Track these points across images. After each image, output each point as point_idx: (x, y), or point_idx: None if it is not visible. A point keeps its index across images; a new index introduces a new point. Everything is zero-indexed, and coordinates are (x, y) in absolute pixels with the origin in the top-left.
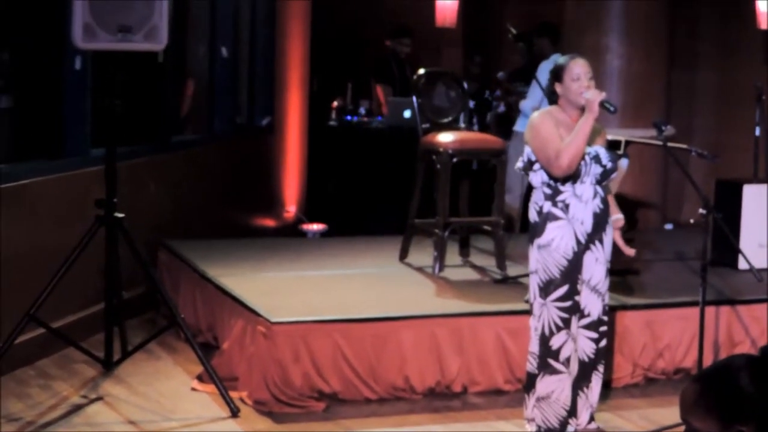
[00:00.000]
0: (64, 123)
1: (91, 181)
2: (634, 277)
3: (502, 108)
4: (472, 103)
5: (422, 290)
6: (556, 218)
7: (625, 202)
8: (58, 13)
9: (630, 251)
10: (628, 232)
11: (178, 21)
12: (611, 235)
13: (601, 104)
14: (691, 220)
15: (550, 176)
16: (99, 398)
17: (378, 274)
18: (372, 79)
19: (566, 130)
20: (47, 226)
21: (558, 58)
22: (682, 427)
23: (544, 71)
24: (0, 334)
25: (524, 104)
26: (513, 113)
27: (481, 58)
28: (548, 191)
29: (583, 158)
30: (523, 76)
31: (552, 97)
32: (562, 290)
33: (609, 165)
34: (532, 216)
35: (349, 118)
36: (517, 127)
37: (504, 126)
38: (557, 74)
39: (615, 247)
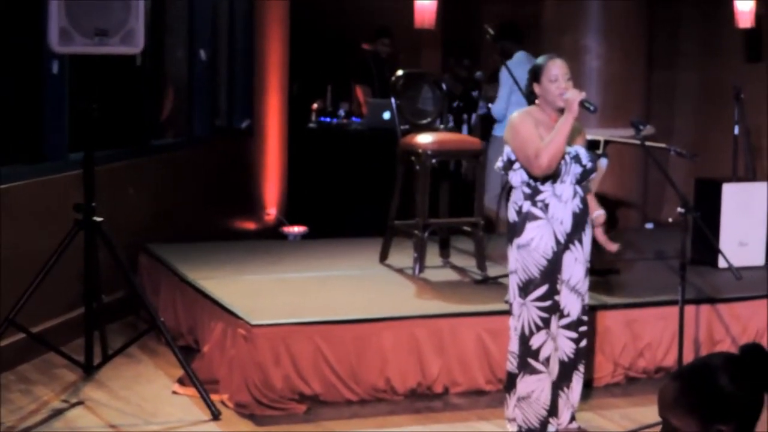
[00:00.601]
0: (42, 127)
1: (69, 185)
2: (614, 277)
3: (483, 108)
4: (458, 104)
5: (402, 291)
6: (535, 218)
7: (605, 202)
8: (34, 17)
9: (613, 246)
10: (609, 232)
11: (156, 24)
12: (591, 234)
13: (581, 104)
14: (670, 219)
15: (530, 176)
16: (80, 403)
17: (358, 276)
18: (352, 81)
19: (546, 129)
20: (26, 230)
21: (523, 56)
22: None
23: (514, 70)
24: None
25: (494, 108)
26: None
27: (470, 61)
28: (528, 191)
29: (563, 158)
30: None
31: (531, 98)
32: (542, 290)
33: (589, 165)
34: (512, 216)
35: (328, 120)
36: (495, 131)
37: (486, 127)
38: (535, 75)
39: (595, 247)
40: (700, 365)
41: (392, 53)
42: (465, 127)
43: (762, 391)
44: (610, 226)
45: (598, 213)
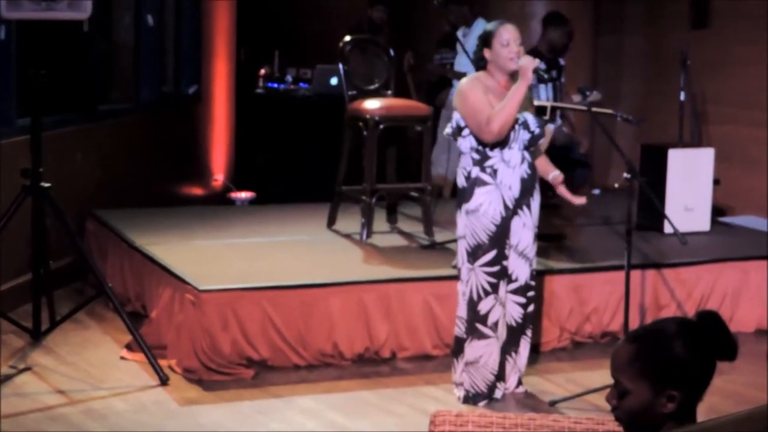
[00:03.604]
0: None
1: (17, 151)
2: (561, 242)
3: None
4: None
5: (350, 257)
6: (484, 183)
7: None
8: None
9: (581, 200)
10: (556, 197)
11: None
12: (539, 200)
13: (535, 71)
14: (616, 185)
15: (479, 142)
16: (28, 368)
17: (306, 241)
18: None
19: (495, 96)
20: None
21: (483, 24)
22: (607, 390)
23: (472, 38)
24: None
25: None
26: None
27: None
28: (476, 157)
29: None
30: (450, 43)
31: (480, 63)
32: (490, 255)
33: (537, 131)
34: (460, 181)
35: (276, 85)
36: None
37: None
38: (486, 40)
39: (543, 212)
40: (655, 330)
41: (386, 21)
42: None
43: (714, 359)
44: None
45: (554, 174)
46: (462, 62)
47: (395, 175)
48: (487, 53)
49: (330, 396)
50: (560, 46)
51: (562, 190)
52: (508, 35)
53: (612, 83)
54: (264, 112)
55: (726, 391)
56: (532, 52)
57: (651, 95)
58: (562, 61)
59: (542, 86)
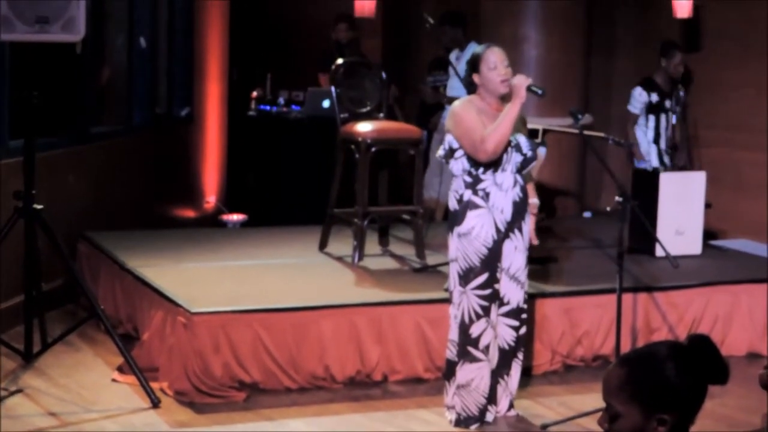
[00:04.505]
0: None
1: (9, 172)
2: (553, 265)
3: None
4: None
5: (342, 280)
6: (476, 206)
7: (543, 191)
8: None
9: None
10: (547, 220)
11: (96, 12)
12: (530, 223)
13: (529, 89)
14: (608, 208)
15: (472, 164)
16: (19, 390)
17: (297, 264)
18: (318, 71)
19: (487, 118)
20: None
21: (475, 47)
22: (599, 414)
23: (464, 61)
24: None
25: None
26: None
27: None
28: (469, 179)
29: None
30: (443, 65)
31: (470, 88)
32: (482, 278)
33: (529, 154)
34: (452, 204)
35: (268, 108)
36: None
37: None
38: (474, 65)
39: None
40: (646, 353)
41: (353, 38)
42: None
43: (706, 383)
44: (548, 215)
45: (532, 201)
46: (454, 85)
47: (387, 198)
48: (476, 78)
49: (321, 419)
50: (677, 74)
51: (530, 221)
52: (494, 58)
53: (603, 106)
54: (256, 135)
55: (718, 415)
56: (647, 83)
57: None
58: (682, 92)
59: (661, 116)
